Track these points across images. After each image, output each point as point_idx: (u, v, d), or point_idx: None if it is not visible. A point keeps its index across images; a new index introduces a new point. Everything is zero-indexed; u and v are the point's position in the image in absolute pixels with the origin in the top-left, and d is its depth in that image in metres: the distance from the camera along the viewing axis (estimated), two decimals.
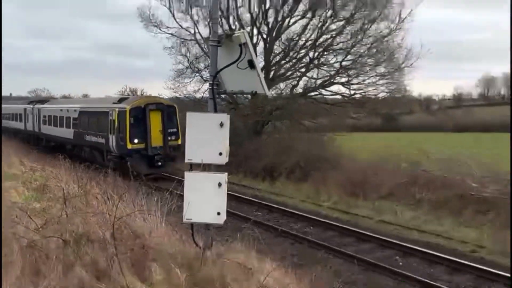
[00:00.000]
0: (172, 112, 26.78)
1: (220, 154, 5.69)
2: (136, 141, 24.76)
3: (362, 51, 29.87)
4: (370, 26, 29.33)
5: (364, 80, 30.38)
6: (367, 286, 11.72)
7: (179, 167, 24.95)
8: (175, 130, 26.56)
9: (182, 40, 32.31)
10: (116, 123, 25.71)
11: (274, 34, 30.61)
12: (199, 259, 5.89)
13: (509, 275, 11.15)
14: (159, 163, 25.42)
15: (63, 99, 47.15)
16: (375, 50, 29.73)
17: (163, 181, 23.78)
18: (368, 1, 28.63)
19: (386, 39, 29.45)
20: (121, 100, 27.62)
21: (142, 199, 8.85)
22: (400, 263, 13.47)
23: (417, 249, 14.25)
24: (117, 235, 6.04)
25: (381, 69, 30.18)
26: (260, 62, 29.55)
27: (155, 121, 25.13)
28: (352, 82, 30.39)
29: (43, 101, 41.47)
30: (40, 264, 5.67)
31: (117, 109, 25.94)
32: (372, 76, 30.30)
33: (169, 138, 26.13)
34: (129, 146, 24.81)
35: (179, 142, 26.41)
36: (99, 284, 5.32)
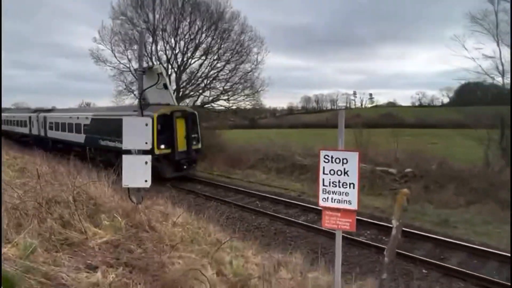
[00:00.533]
0: (194, 119, 18.89)
1: (146, 143, 5.44)
2: (162, 146, 17.33)
3: (236, 80, 30.53)
4: (240, 66, 30.10)
5: (237, 98, 31.00)
6: (239, 219, 11.95)
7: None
8: (196, 135, 18.99)
9: (121, 71, 30.45)
10: None
11: (182, 68, 29.95)
12: (133, 210, 5.60)
13: None
14: (184, 167, 18.19)
15: (68, 108, 37.10)
16: (243, 80, 30.50)
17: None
18: (238, 50, 29.43)
19: (249, 74, 30.37)
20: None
21: (95, 174, 8.22)
22: (259, 205, 13.91)
23: (268, 196, 14.79)
24: (77, 198, 5.53)
25: (247, 92, 31.05)
26: (173, 86, 28.83)
27: (180, 128, 17.90)
28: (230, 99, 30.81)
29: (46, 110, 32.13)
30: (21, 219, 5.06)
31: None
32: (242, 96, 30.99)
33: (193, 143, 18.61)
34: (157, 152, 17.06)
35: (199, 146, 19.30)
36: (65, 230, 4.88)
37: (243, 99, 31.08)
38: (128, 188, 5.71)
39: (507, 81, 17.66)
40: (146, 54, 27.78)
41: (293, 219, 11.83)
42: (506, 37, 16.95)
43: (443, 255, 9.26)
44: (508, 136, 17.03)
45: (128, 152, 5.48)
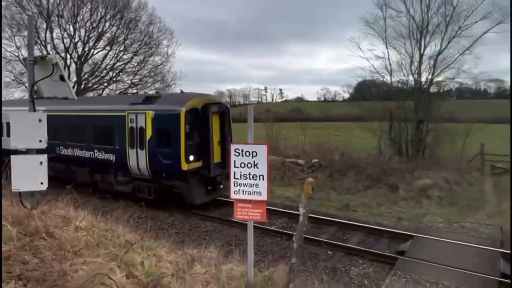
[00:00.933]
0: (229, 115, 13.10)
1: (40, 141, 4.90)
2: (191, 158, 11.50)
3: (145, 73, 29.34)
4: (149, 58, 28.99)
5: (147, 92, 29.72)
6: (151, 218, 11.53)
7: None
8: (230, 138, 12.91)
9: (8, 59, 26.68)
10: (151, 133, 11.82)
11: (83, 59, 27.54)
12: (27, 216, 5.01)
13: None
14: (221, 186, 12.37)
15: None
16: (153, 73, 29.46)
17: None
18: (147, 42, 28.27)
19: (160, 67, 29.47)
20: (151, 100, 12.57)
21: None
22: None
23: None
24: None
25: (158, 85, 30.08)
26: (73, 78, 26.37)
27: (215, 129, 12.24)
28: (140, 93, 29.47)
29: None
30: None
31: (150, 112, 11.83)
32: (152, 89, 29.88)
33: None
34: (185, 167, 11.35)
35: None
36: None
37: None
38: (20, 192, 5.09)
39: (394, 79, 20.16)
40: (39, 42, 24.86)
41: (207, 214, 11.82)
42: (393, 40, 19.30)
43: (345, 236, 10.25)
44: (396, 128, 19.47)
45: (19, 152, 4.88)
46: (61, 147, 14.54)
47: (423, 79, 19.16)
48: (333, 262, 8.51)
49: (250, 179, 4.12)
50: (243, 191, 4.13)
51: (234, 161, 4.15)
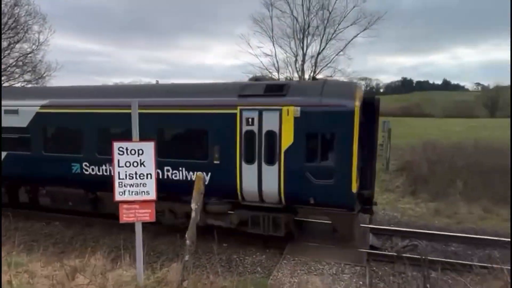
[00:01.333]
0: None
1: None
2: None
3: (11, 62, 25.32)
4: (16, 45, 25.11)
5: (14, 84, 25.77)
6: (22, 230, 10.07)
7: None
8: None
9: None
10: (292, 139, 7.78)
11: None
12: None
13: None
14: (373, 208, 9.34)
15: None
16: (21, 62, 25.62)
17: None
18: (12, 26, 24.38)
19: (30, 55, 25.79)
20: (281, 89, 8.14)
21: None
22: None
23: None
24: None
25: (28, 77, 26.34)
26: None
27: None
28: (4, 85, 25.30)
29: None
30: None
31: (292, 108, 7.67)
32: (20, 81, 26.06)
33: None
34: (354, 188, 7.68)
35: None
36: None
37: (23, 86, 26.12)
38: None
39: (282, 76, 21.53)
40: None
41: (92, 218, 10.79)
42: (279, 39, 20.59)
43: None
44: None
45: None
46: (85, 164, 9.55)
47: (306, 76, 20.95)
48: (228, 254, 8.72)
49: (136, 178, 3.94)
50: (129, 191, 3.94)
51: (118, 160, 3.91)
